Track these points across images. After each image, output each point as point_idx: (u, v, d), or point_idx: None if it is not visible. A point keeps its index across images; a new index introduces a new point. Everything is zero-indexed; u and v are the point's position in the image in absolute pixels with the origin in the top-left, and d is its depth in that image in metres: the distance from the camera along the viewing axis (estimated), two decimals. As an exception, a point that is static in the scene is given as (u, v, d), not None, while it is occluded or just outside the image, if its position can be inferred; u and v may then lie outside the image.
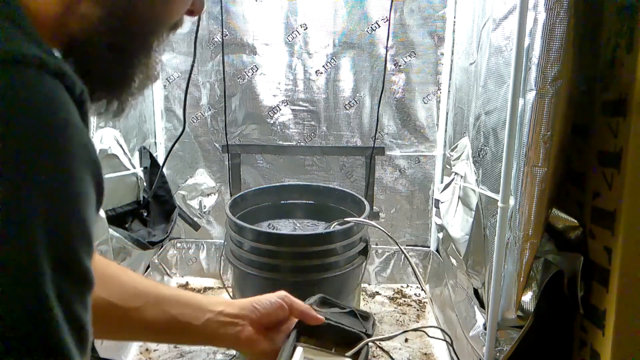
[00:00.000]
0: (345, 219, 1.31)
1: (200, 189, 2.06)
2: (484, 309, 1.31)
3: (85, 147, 0.31)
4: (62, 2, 0.37)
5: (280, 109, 1.98)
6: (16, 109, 0.27)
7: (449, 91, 1.90)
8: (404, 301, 1.99)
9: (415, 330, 1.58)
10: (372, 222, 1.35)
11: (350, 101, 1.97)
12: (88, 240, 0.31)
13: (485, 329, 1.23)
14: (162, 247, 2.04)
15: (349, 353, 0.65)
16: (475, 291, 1.45)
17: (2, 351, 0.26)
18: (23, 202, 0.27)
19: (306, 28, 1.89)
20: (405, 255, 1.81)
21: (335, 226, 1.31)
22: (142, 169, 1.67)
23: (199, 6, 0.49)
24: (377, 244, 2.06)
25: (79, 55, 0.37)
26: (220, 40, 1.87)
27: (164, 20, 0.44)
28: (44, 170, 0.28)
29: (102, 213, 1.27)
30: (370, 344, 0.69)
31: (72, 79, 0.31)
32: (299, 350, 0.63)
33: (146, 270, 1.95)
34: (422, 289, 2.05)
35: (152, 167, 1.75)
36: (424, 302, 1.98)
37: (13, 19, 0.31)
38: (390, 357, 1.63)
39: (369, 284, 2.10)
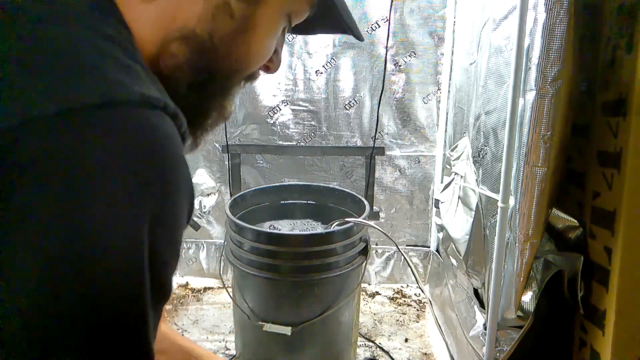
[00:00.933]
0: (346, 219, 1.31)
1: (200, 189, 2.06)
2: (484, 309, 1.31)
3: (189, 181, 0.35)
4: (159, 42, 0.40)
5: (280, 109, 1.98)
6: (145, 145, 0.31)
7: (449, 91, 1.90)
8: (404, 301, 1.99)
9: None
10: (371, 223, 1.35)
11: (350, 101, 1.97)
12: (177, 259, 0.36)
13: (485, 329, 1.23)
14: (162, 247, 2.03)
15: None
16: (475, 291, 1.45)
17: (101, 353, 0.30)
18: (137, 222, 0.30)
19: (306, 28, 1.89)
20: (404, 257, 1.81)
21: (335, 226, 1.31)
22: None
23: (276, 64, 0.52)
24: (377, 244, 2.06)
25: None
26: (220, 40, 1.87)
27: (242, 68, 0.47)
28: (159, 197, 0.32)
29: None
30: None
31: (182, 120, 0.35)
32: None
33: (146, 270, 1.95)
34: (421, 290, 2.05)
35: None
36: (424, 302, 1.99)
37: (137, 61, 0.34)
38: (390, 357, 1.63)
39: (369, 284, 2.10)
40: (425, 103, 1.97)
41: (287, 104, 1.97)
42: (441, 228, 1.72)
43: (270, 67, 0.51)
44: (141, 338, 0.32)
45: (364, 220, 1.29)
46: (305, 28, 0.52)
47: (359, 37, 0.54)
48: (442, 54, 1.91)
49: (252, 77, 0.51)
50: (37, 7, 0.33)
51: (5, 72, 0.29)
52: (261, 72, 0.52)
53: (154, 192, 0.31)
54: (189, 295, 2.01)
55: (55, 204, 0.28)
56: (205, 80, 0.43)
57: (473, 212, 1.40)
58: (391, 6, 1.80)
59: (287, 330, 1.23)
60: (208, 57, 0.42)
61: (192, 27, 0.40)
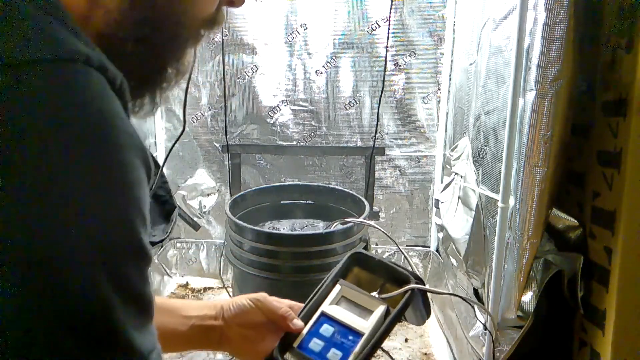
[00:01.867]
0: (346, 219, 1.31)
1: (200, 189, 2.06)
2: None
3: (131, 135, 0.33)
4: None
5: (280, 109, 1.98)
6: (68, 104, 0.29)
7: (449, 91, 1.90)
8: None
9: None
10: (372, 223, 1.35)
11: (350, 101, 1.97)
12: (144, 220, 0.34)
13: (485, 329, 1.23)
14: (162, 247, 2.04)
15: (388, 295, 0.61)
16: (475, 291, 1.45)
17: (63, 332, 0.29)
18: (82, 190, 0.29)
19: (306, 28, 1.89)
20: (405, 257, 1.81)
21: (335, 226, 1.31)
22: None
23: None
24: (377, 244, 2.06)
25: (107, 50, 0.36)
26: (220, 40, 1.87)
27: (192, 13, 0.42)
28: (98, 159, 0.30)
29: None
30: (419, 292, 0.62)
31: (113, 72, 0.33)
32: (338, 287, 0.63)
33: (146, 270, 1.95)
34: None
35: (152, 167, 1.75)
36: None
37: (57, 16, 0.32)
38: (390, 357, 1.63)
39: (369, 284, 2.10)
40: (425, 103, 1.97)
41: (287, 104, 1.97)
42: (441, 228, 1.72)
43: (235, 1, 0.47)
44: (104, 314, 0.31)
45: (365, 221, 1.29)
46: None
47: None
48: (442, 54, 1.91)
49: (213, 21, 0.46)
50: None
51: None
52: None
53: (89, 154, 0.30)
54: (189, 295, 2.01)
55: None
56: (150, 32, 0.40)
57: (473, 212, 1.40)
58: (391, 6, 1.80)
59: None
60: (145, 7, 0.38)
61: None
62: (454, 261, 1.60)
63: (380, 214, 2.08)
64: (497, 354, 1.18)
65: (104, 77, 0.32)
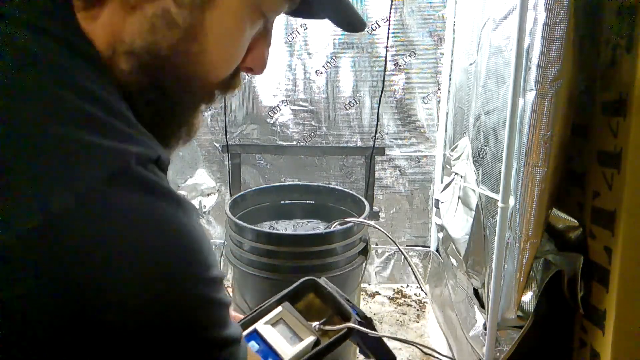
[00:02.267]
0: (346, 219, 1.31)
1: (200, 189, 2.06)
2: (484, 309, 1.31)
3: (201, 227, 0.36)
4: (109, 59, 0.38)
5: (280, 109, 1.98)
6: (162, 216, 0.33)
7: (449, 91, 1.90)
8: (404, 301, 1.99)
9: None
10: (372, 223, 1.35)
11: (350, 101, 1.97)
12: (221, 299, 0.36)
13: (485, 329, 1.22)
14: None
15: (327, 328, 0.62)
16: (475, 291, 1.45)
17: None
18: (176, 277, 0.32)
19: (306, 28, 1.89)
20: (405, 257, 1.81)
21: (335, 226, 1.31)
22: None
23: (259, 64, 0.47)
24: (377, 244, 2.06)
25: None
26: (220, 40, 1.87)
27: (201, 80, 0.42)
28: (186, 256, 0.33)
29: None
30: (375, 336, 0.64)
31: (164, 158, 0.35)
32: (279, 309, 0.63)
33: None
34: (422, 290, 2.05)
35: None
36: (424, 302, 1.99)
37: (122, 115, 0.35)
38: (390, 357, 1.62)
39: (369, 284, 2.11)
40: (425, 103, 1.97)
41: (287, 104, 1.97)
42: (441, 228, 1.72)
43: (254, 68, 0.47)
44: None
45: (364, 220, 1.29)
46: (308, 13, 0.48)
47: (348, 27, 0.49)
48: (442, 54, 1.91)
49: (229, 85, 0.46)
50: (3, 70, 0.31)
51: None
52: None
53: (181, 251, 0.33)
54: (189, 295, 2.01)
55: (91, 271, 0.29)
56: (158, 96, 0.40)
57: (473, 212, 1.40)
58: (391, 6, 1.80)
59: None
60: (153, 72, 0.39)
61: (131, 41, 0.37)
62: (454, 261, 1.60)
63: (380, 214, 2.08)
64: (497, 354, 1.18)
65: (156, 166, 0.34)
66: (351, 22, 0.49)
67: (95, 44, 0.36)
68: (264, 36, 0.46)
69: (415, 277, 2.00)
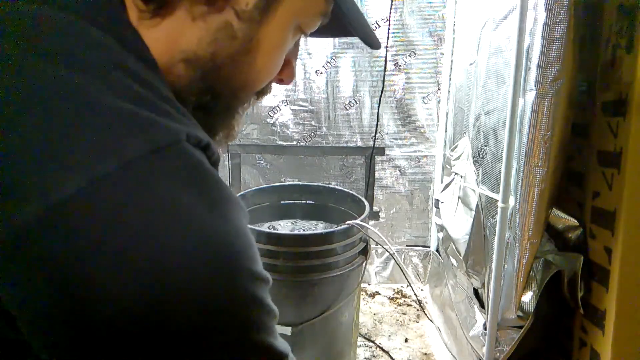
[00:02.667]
0: (347, 222, 1.31)
1: (200, 189, 2.06)
2: (484, 309, 1.31)
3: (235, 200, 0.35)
4: (165, 65, 0.40)
5: (280, 109, 1.98)
6: (205, 176, 0.32)
7: (449, 91, 1.90)
8: (404, 301, 1.99)
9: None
10: (368, 226, 1.35)
11: (350, 101, 1.97)
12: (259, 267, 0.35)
13: (485, 329, 1.22)
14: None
15: None
16: (475, 291, 1.45)
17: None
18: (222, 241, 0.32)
19: (306, 28, 1.89)
20: (396, 261, 1.81)
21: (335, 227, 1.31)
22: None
23: (289, 76, 0.51)
24: (377, 244, 2.06)
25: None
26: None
27: (249, 86, 0.46)
28: (230, 220, 0.33)
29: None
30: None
31: (214, 149, 0.36)
32: None
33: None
34: (411, 288, 2.05)
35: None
36: (424, 302, 1.99)
37: (171, 103, 0.35)
38: (390, 357, 1.62)
39: (369, 284, 2.11)
40: (425, 103, 1.97)
41: (287, 104, 1.97)
42: (441, 228, 1.72)
43: (284, 79, 0.51)
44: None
45: (361, 223, 1.29)
46: (320, 32, 0.51)
47: (372, 45, 0.52)
48: (442, 54, 1.91)
49: (262, 92, 0.50)
50: (53, 44, 0.32)
51: (47, 131, 0.29)
52: (274, 85, 0.51)
53: (227, 215, 0.32)
54: (189, 295, 2.01)
55: (141, 241, 0.28)
56: (210, 100, 0.43)
57: (473, 212, 1.39)
58: (391, 6, 1.80)
59: (287, 330, 1.23)
60: (211, 78, 0.42)
61: (194, 49, 0.40)
62: (454, 261, 1.60)
63: (380, 214, 2.08)
64: (497, 354, 1.18)
65: (205, 154, 0.34)
66: (374, 39, 0.52)
67: (151, 50, 0.38)
68: (295, 50, 0.51)
69: (404, 275, 2.00)
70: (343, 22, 0.48)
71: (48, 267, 0.27)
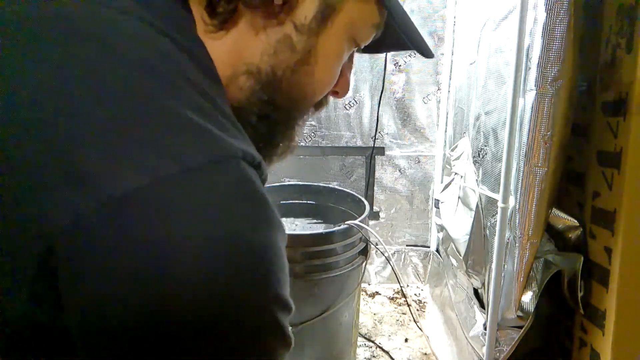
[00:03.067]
0: (347, 222, 1.31)
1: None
2: (484, 309, 1.31)
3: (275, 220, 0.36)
4: (228, 77, 0.42)
5: (280, 109, 1.98)
6: (253, 193, 0.33)
7: (449, 91, 1.90)
8: (404, 301, 1.99)
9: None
10: (366, 227, 1.35)
11: (350, 101, 1.97)
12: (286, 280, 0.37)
13: (485, 329, 1.22)
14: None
15: None
16: (475, 291, 1.45)
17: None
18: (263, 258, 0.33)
19: (306, 28, 1.89)
20: (392, 266, 1.81)
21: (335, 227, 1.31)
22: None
23: (344, 88, 0.52)
24: (377, 244, 2.06)
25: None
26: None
27: (307, 97, 0.48)
28: (269, 238, 0.34)
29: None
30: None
31: (264, 169, 0.37)
32: None
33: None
34: (401, 287, 2.05)
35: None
36: (424, 302, 1.98)
37: (229, 119, 0.36)
38: (390, 357, 1.62)
39: (369, 284, 2.11)
40: (425, 103, 1.97)
41: (287, 104, 1.97)
42: (441, 228, 1.72)
43: (339, 92, 0.52)
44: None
45: (360, 223, 1.29)
46: (373, 47, 0.52)
47: (426, 54, 0.53)
48: (442, 54, 1.91)
49: (320, 104, 0.52)
50: (130, 50, 0.34)
51: (116, 126, 0.30)
52: (330, 97, 0.52)
53: (267, 235, 0.33)
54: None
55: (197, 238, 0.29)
56: (272, 111, 0.45)
57: (473, 212, 1.39)
58: (391, 6, 1.80)
59: (287, 330, 1.22)
60: (272, 90, 0.43)
61: (257, 62, 0.42)
62: (454, 261, 1.60)
63: (380, 214, 2.08)
64: (497, 354, 1.18)
65: (257, 173, 0.35)
66: (427, 48, 0.52)
67: (216, 62, 0.40)
68: (349, 64, 0.52)
69: (395, 274, 2.00)
70: (394, 35, 0.49)
71: (101, 256, 0.28)
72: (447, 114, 1.91)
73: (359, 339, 1.67)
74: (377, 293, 2.05)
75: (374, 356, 1.64)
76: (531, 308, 1.12)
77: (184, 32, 0.38)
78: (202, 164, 0.31)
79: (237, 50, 0.41)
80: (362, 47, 0.49)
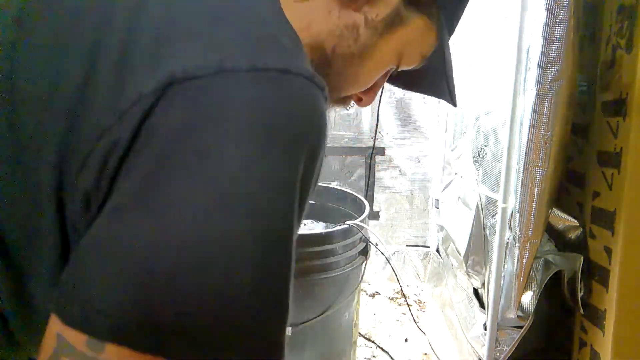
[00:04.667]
0: (347, 222, 1.31)
1: (200, 189, 2.06)
2: (484, 309, 1.31)
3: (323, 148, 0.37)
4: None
5: (280, 109, 1.98)
6: (292, 109, 0.33)
7: (449, 91, 1.89)
8: (404, 301, 1.99)
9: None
10: (368, 227, 1.35)
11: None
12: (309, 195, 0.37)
13: (485, 329, 1.22)
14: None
15: None
16: (475, 291, 1.45)
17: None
18: (294, 170, 0.33)
19: (306, 28, 1.89)
20: (391, 267, 1.81)
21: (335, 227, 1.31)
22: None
23: (370, 97, 0.54)
24: (377, 244, 2.06)
25: None
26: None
27: (342, 89, 0.49)
28: (311, 154, 0.34)
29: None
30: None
31: (326, 92, 0.37)
32: None
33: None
34: (399, 285, 2.05)
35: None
36: (424, 302, 1.98)
37: (297, 44, 0.38)
38: (390, 357, 1.62)
39: (369, 284, 2.10)
40: (425, 103, 1.97)
41: (287, 104, 1.97)
42: (441, 228, 1.72)
43: (364, 99, 0.53)
44: (290, 263, 0.35)
45: (360, 224, 1.29)
46: (408, 83, 0.53)
47: (454, 104, 0.55)
48: (442, 54, 1.91)
49: (343, 101, 0.53)
50: None
51: (201, 17, 0.33)
52: (352, 102, 0.54)
53: (309, 149, 0.34)
54: (189, 295, 2.01)
55: (240, 146, 0.30)
56: None
57: (473, 212, 1.39)
58: (391, 6, 1.80)
59: (287, 330, 1.22)
60: (322, 69, 0.43)
61: (322, 38, 0.43)
62: (454, 261, 1.60)
63: (380, 214, 2.08)
64: (497, 354, 1.18)
65: (321, 93, 0.36)
66: (454, 98, 0.55)
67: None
68: (382, 80, 0.53)
69: (395, 274, 2.00)
70: (430, 77, 0.50)
71: (158, 135, 0.29)
72: (447, 114, 1.91)
73: (359, 339, 1.67)
74: (377, 293, 2.05)
75: (374, 356, 1.64)
76: (531, 308, 1.12)
77: None
78: (274, 68, 0.32)
79: (308, 21, 0.42)
80: (401, 69, 0.50)
